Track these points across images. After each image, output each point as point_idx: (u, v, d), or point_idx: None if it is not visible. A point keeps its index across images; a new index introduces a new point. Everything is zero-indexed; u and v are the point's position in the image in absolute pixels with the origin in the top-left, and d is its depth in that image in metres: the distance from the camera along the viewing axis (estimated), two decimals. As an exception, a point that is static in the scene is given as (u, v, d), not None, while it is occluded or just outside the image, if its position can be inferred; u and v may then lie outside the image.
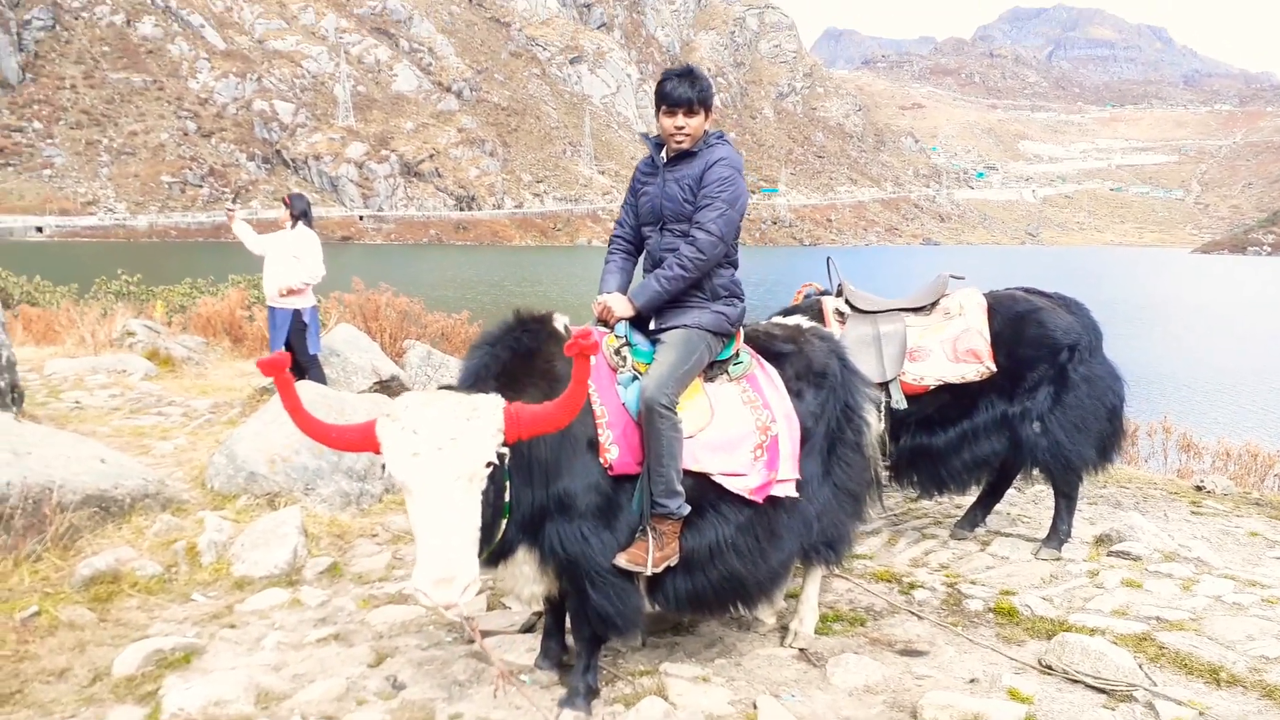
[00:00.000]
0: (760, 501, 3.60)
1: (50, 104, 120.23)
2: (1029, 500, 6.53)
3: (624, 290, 3.76)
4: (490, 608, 4.37)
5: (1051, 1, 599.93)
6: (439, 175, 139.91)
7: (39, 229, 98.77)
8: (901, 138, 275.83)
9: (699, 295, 3.67)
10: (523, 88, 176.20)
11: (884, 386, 5.04)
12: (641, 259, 3.94)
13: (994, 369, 5.06)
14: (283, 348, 7.85)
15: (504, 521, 3.11)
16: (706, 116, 3.68)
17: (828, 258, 5.64)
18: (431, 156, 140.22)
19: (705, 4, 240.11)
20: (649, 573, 3.37)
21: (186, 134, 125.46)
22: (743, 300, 3.81)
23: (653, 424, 3.34)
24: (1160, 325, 35.34)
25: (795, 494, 3.71)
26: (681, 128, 3.63)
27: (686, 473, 3.44)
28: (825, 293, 5.67)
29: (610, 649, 3.80)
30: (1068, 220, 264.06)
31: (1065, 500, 5.30)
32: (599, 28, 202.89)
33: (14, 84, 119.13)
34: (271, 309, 7.96)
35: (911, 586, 4.71)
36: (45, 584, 4.19)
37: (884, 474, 5.11)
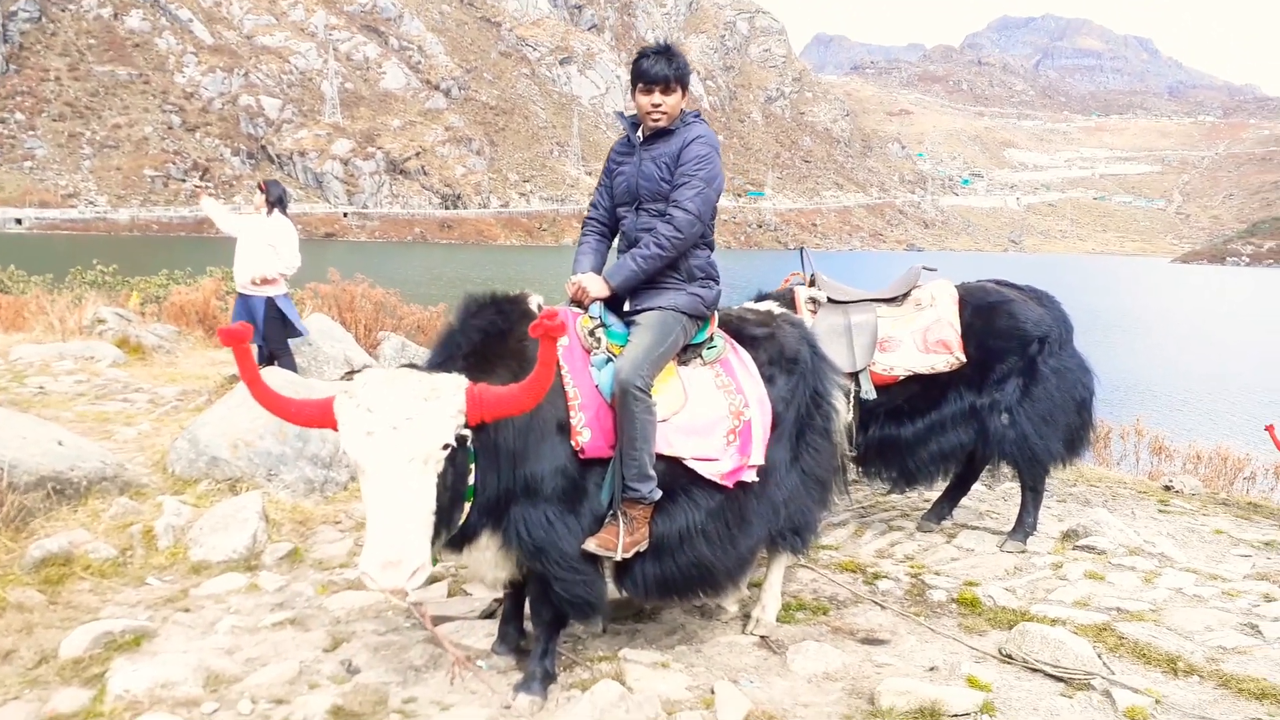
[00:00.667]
0: (731, 487, 3.56)
1: (34, 95, 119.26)
2: (998, 497, 6.54)
3: (598, 271, 3.71)
4: (451, 594, 4.32)
5: (1040, 11, 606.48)
6: (425, 173, 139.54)
7: (18, 221, 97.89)
8: (888, 144, 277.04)
9: (675, 276, 3.63)
10: (511, 87, 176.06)
11: (854, 376, 5.02)
12: (616, 240, 3.89)
13: (964, 360, 5.05)
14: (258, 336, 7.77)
15: (468, 505, 3.05)
16: (683, 95, 3.64)
17: (800, 247, 5.63)
18: (418, 154, 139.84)
19: (696, 7, 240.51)
20: (619, 558, 3.32)
21: (171, 128, 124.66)
22: (718, 283, 3.77)
23: (627, 407, 3.29)
24: (1138, 333, 35.63)
25: (757, 479, 3.67)
26: (658, 105, 3.59)
27: (658, 457, 3.40)
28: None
29: (570, 635, 3.76)
30: (1051, 228, 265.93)
31: (1032, 494, 5.30)
32: (590, 29, 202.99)
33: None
34: (242, 296, 7.87)
35: (876, 577, 4.70)
36: (-6, 565, 4.11)
37: (851, 465, 5.10)
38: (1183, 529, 6.11)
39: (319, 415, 2.89)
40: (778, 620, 4.08)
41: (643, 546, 3.38)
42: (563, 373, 3.30)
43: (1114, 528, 5.42)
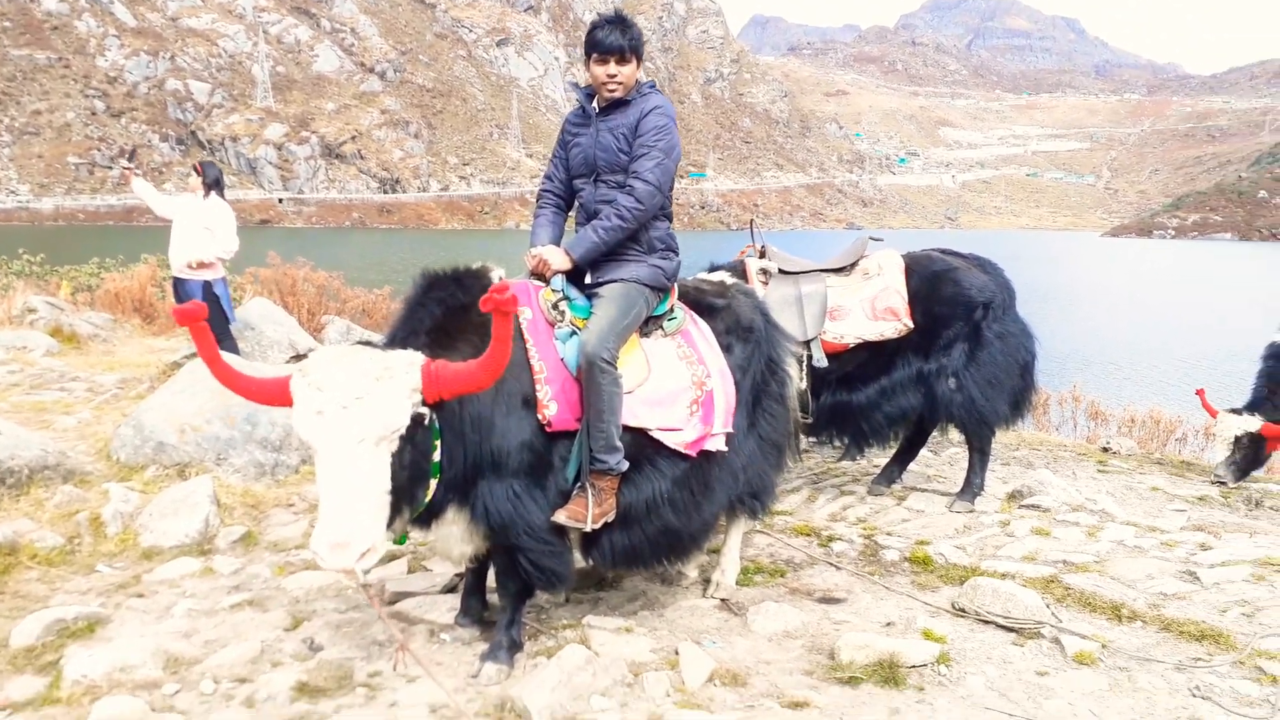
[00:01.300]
0: (694, 456, 3.59)
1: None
2: (944, 462, 6.70)
3: (557, 244, 3.68)
4: (411, 570, 4.30)
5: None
6: (361, 157, 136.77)
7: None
8: (826, 124, 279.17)
9: (636, 248, 3.63)
10: (448, 69, 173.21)
11: (806, 345, 5.10)
12: (574, 213, 3.88)
13: (911, 326, 5.16)
14: None
15: (433, 482, 3.04)
16: (638, 65, 3.62)
17: (750, 220, 5.67)
18: (354, 138, 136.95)
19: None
20: (589, 529, 3.33)
21: (95, 114, 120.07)
22: (678, 254, 3.78)
23: (593, 380, 3.29)
24: (1072, 304, 36.58)
25: (724, 448, 3.72)
26: (614, 75, 3.57)
27: (625, 428, 3.41)
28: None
29: (534, 605, 3.78)
30: (985, 204, 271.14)
31: (979, 455, 5.45)
32: (526, 10, 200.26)
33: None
34: (178, 280, 7.68)
35: (830, 539, 4.79)
36: (-67, 558, 3.98)
37: (804, 431, 5.19)
38: (1121, 487, 6.33)
39: (278, 393, 2.85)
40: (737, 584, 4.15)
41: (610, 517, 3.40)
42: (527, 346, 3.30)
43: (1057, 487, 5.60)
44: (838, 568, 4.41)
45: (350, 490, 2.67)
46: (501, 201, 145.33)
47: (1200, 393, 7.53)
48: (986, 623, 3.72)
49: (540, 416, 3.25)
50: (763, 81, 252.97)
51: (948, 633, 3.64)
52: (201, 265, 7.61)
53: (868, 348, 5.21)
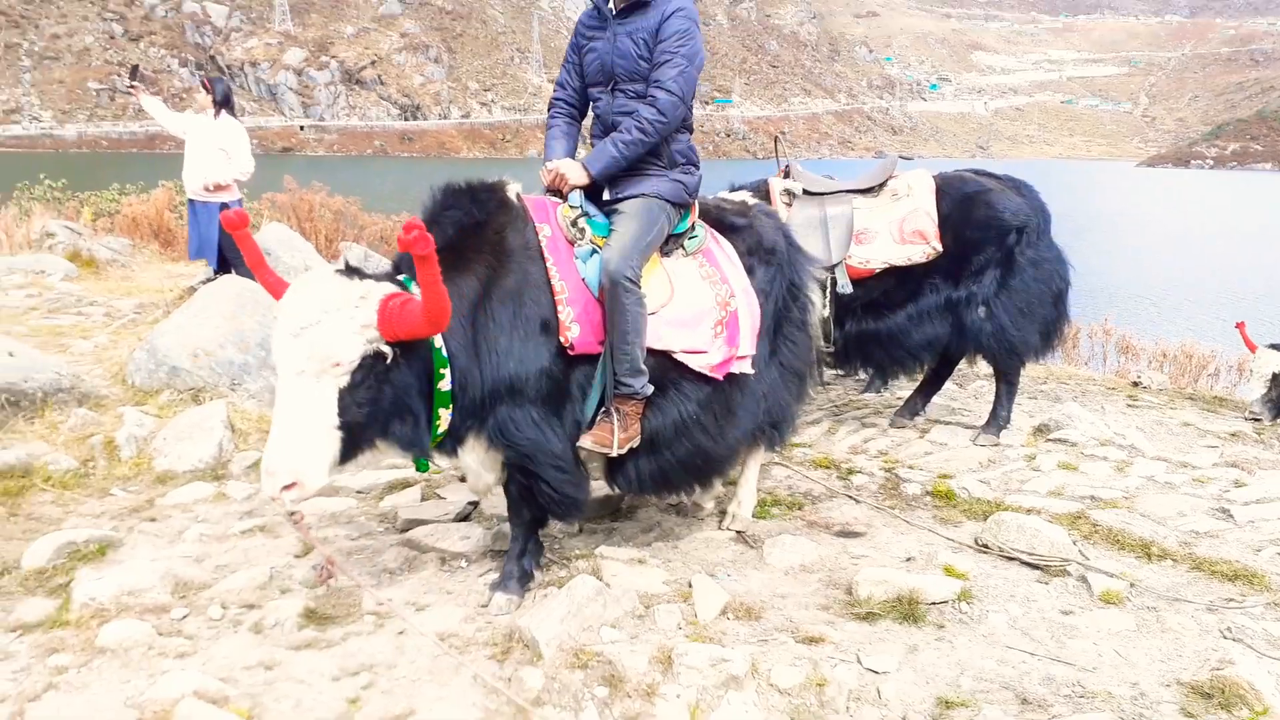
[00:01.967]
0: (720, 379, 3.47)
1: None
2: (969, 395, 6.55)
3: (572, 156, 3.51)
4: (425, 498, 4.26)
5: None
6: (382, 83, 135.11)
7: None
8: (856, 47, 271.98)
9: (657, 163, 3.45)
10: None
11: (830, 270, 4.92)
12: (589, 123, 3.69)
13: (940, 250, 4.96)
14: (214, 244, 7.51)
15: (445, 412, 2.94)
16: None
17: (775, 136, 5.45)
18: (374, 63, 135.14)
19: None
20: (614, 454, 3.23)
21: (113, 37, 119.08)
22: (699, 168, 3.60)
23: (617, 299, 3.15)
24: (1105, 235, 35.79)
25: (750, 370, 3.59)
26: None
27: (649, 351, 3.27)
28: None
29: (546, 535, 3.72)
30: (1018, 133, 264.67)
31: (1006, 387, 5.30)
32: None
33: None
34: (193, 203, 7.57)
35: (850, 472, 4.70)
36: (-54, 479, 3.98)
37: (828, 360, 5.05)
38: (1151, 422, 6.17)
39: None
40: (753, 516, 4.07)
41: (635, 443, 3.30)
42: (548, 266, 3.16)
43: (1085, 421, 5.46)
44: (857, 501, 4.31)
45: (285, 419, 2.61)
46: (523, 129, 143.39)
47: (1240, 326, 7.31)
48: (1010, 559, 3.63)
49: (562, 339, 3.13)
50: (791, 2, 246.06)
51: (970, 569, 3.55)
52: (218, 188, 7.50)
53: (894, 273, 5.03)
